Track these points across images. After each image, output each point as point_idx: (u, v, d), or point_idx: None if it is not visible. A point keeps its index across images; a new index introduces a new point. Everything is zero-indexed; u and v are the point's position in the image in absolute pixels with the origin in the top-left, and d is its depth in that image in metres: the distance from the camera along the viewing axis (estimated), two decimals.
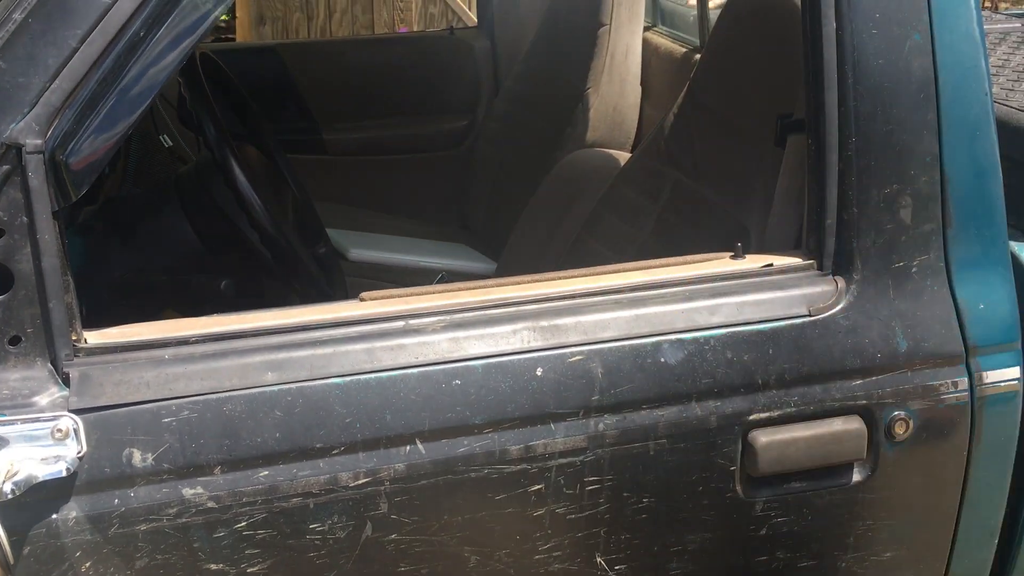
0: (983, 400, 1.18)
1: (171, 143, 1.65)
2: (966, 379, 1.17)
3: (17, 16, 0.94)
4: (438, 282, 2.12)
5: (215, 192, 1.34)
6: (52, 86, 0.93)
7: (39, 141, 0.93)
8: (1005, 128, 1.31)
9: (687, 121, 1.72)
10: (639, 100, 2.16)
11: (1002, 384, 1.19)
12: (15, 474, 0.92)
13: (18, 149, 0.93)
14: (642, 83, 2.17)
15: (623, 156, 1.97)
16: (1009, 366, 1.19)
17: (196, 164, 1.41)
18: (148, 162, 1.68)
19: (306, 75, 2.52)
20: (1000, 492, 1.23)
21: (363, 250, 2.11)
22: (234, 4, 5.15)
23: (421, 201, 2.59)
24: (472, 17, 4.86)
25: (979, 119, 1.16)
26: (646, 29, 2.24)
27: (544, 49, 2.35)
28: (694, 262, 1.20)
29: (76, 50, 0.94)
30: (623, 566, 1.13)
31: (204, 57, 1.48)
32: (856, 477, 1.17)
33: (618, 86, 2.11)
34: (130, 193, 1.45)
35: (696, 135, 1.69)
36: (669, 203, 1.73)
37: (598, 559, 1.12)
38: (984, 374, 1.18)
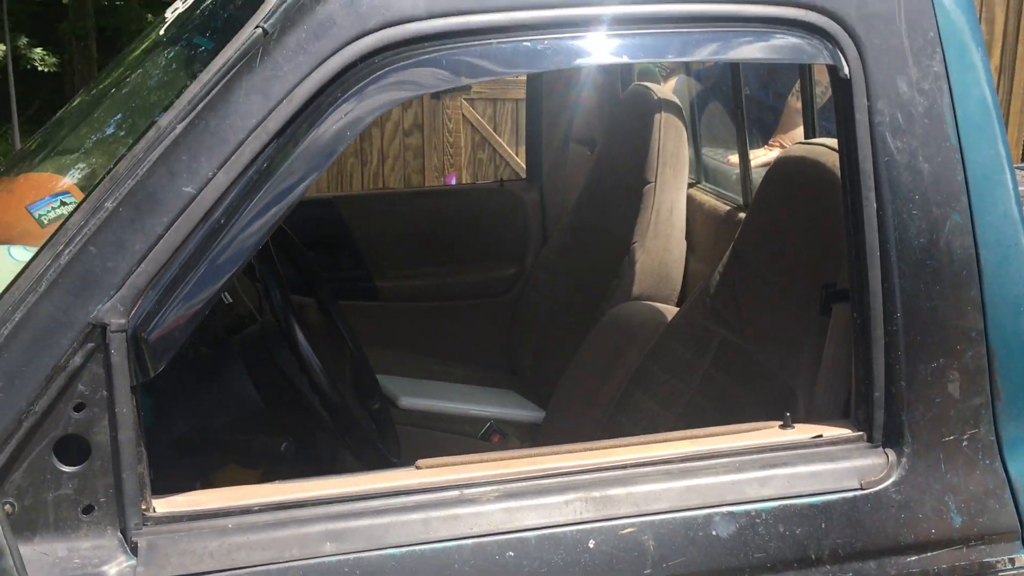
0: None
1: (231, 300, 1.73)
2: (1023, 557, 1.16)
3: (109, 205, 1.02)
4: (486, 430, 2.15)
5: (278, 355, 1.40)
6: (138, 270, 1.00)
7: (123, 321, 0.99)
8: None
9: (732, 280, 1.76)
10: (684, 254, 2.22)
11: None
12: None
13: (103, 328, 0.99)
14: (687, 238, 2.23)
15: (669, 310, 2.01)
16: None
17: (261, 328, 1.48)
18: (210, 319, 1.75)
19: (361, 225, 2.63)
20: None
21: (413, 398, 2.15)
22: None
23: (470, 347, 2.65)
24: (519, 161, 5.04)
25: (1022, 297, 1.19)
26: (690, 186, 2.32)
27: (591, 202, 2.44)
28: (743, 431, 1.22)
29: (161, 236, 1.01)
30: None
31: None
32: None
33: (663, 241, 2.18)
34: (197, 353, 1.51)
35: (741, 294, 1.73)
36: (716, 360, 1.76)
37: None
38: None
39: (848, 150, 1.17)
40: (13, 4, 14.05)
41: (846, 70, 1.15)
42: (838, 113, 1.19)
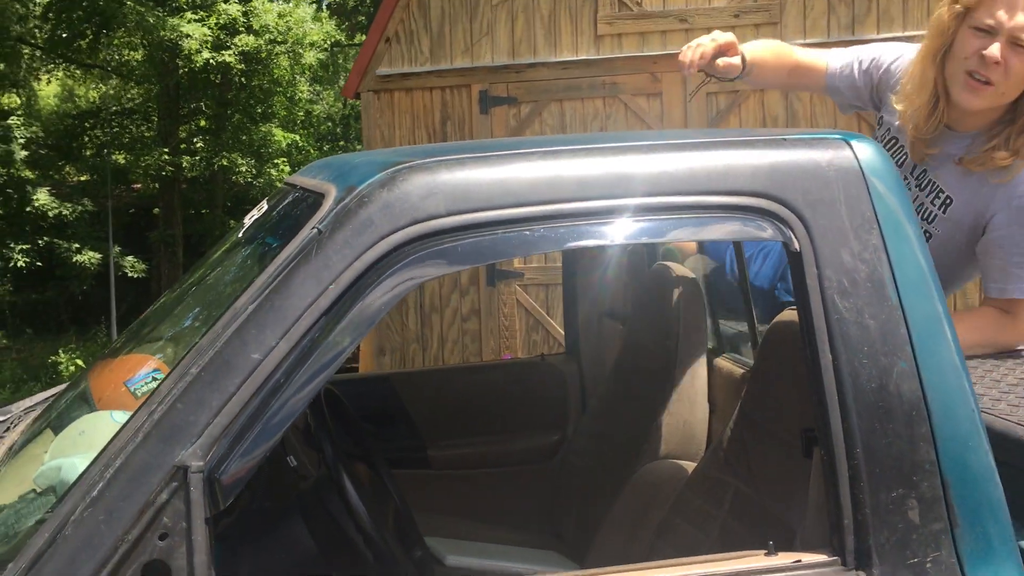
0: None
1: (296, 463, 1.95)
2: None
3: (194, 371, 1.27)
4: None
5: (328, 502, 1.61)
6: (214, 422, 1.25)
7: (201, 463, 1.23)
8: (1007, 440, 1.48)
9: (741, 434, 1.94)
10: (707, 415, 2.40)
11: None
12: None
13: (184, 470, 1.23)
14: (709, 400, 2.42)
15: (692, 467, 2.17)
16: None
17: (316, 480, 1.70)
18: (277, 479, 1.98)
19: (415, 399, 2.87)
20: None
21: (460, 556, 2.31)
22: None
23: (517, 511, 2.80)
24: None
25: (969, 432, 1.36)
26: (710, 352, 2.53)
27: (623, 371, 2.65)
28: (731, 558, 1.38)
29: (233, 394, 1.26)
30: None
31: (327, 391, 1.81)
32: None
33: (687, 404, 2.36)
34: (260, 506, 1.73)
35: (749, 446, 1.90)
36: (731, 510, 1.91)
37: None
38: None
39: (804, 311, 1.39)
40: (108, 216, 15.16)
41: (796, 245, 1.39)
42: (794, 280, 1.41)
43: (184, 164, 16.46)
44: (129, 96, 18.23)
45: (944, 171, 2.12)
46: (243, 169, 16.95)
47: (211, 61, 14.95)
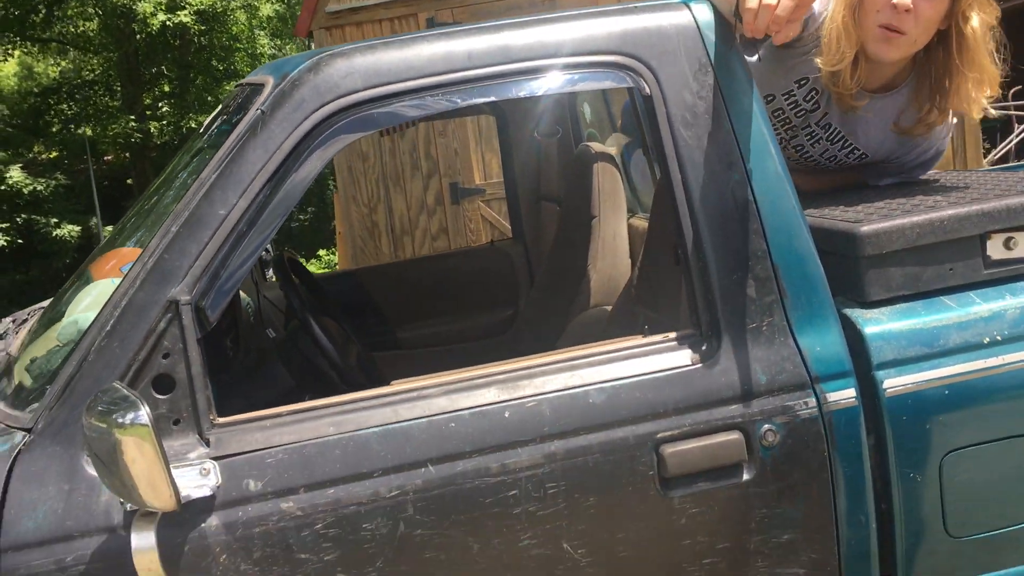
0: (830, 414, 1.66)
1: (274, 335, 2.31)
2: (814, 399, 1.66)
3: (174, 229, 1.62)
4: None
5: (303, 345, 1.97)
6: (194, 265, 1.59)
7: (188, 297, 1.58)
8: (832, 233, 1.84)
9: (644, 271, 2.30)
10: (629, 268, 2.76)
11: (843, 401, 1.67)
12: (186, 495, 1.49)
13: (176, 303, 1.58)
14: (631, 256, 2.78)
15: None
16: (846, 388, 1.67)
17: (289, 330, 2.06)
18: (259, 347, 2.34)
19: (380, 289, 3.23)
20: (861, 484, 1.67)
21: None
22: (337, 252, 6.05)
23: None
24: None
25: (792, 225, 1.72)
26: (630, 217, 2.88)
27: (559, 245, 3.01)
28: (618, 341, 1.74)
29: (207, 243, 1.60)
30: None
31: (292, 261, 2.15)
32: (745, 475, 1.64)
33: (610, 260, 2.72)
34: (246, 360, 2.09)
35: (651, 279, 2.26)
36: (640, 332, 2.28)
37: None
38: (827, 395, 1.67)
39: (655, 144, 1.74)
40: (83, 188, 15.26)
41: (647, 91, 1.73)
42: (647, 120, 1.75)
43: (152, 130, 16.57)
44: (89, 67, 18.25)
45: (859, 128, 2.21)
46: None
47: (167, 23, 15.01)
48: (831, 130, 2.26)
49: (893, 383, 1.69)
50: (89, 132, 16.43)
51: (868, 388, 1.69)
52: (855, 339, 1.72)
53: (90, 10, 15.81)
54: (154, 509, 1.41)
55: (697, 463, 1.62)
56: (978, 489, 1.73)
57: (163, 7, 14.84)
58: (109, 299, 1.61)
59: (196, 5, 15.23)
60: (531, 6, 5.77)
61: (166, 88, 17.51)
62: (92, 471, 1.51)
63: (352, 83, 1.67)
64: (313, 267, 13.49)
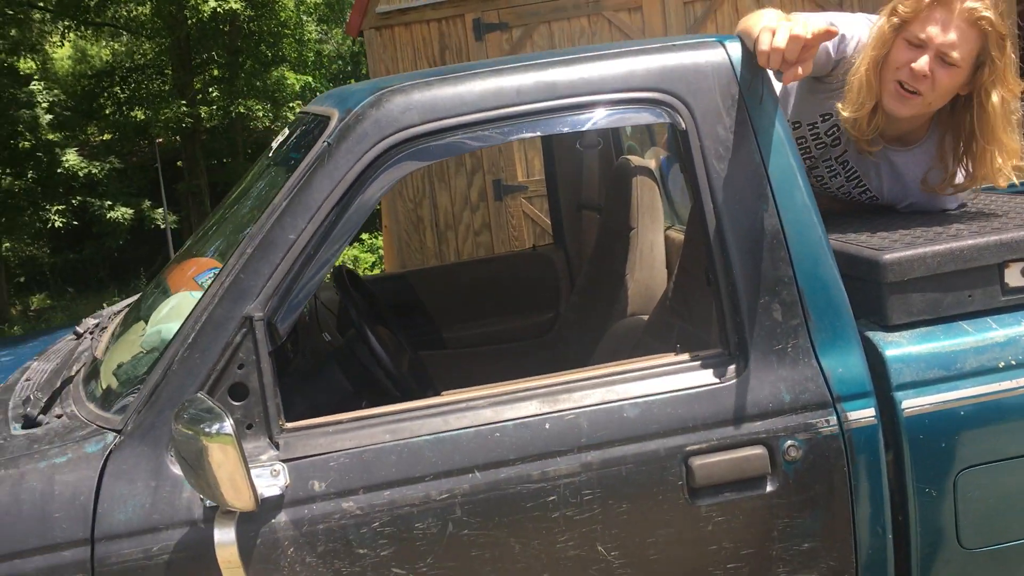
0: (850, 431, 1.78)
1: (330, 338, 2.48)
2: (835, 418, 1.78)
3: (249, 251, 1.78)
4: None
5: (359, 353, 2.13)
6: (267, 285, 1.75)
7: (261, 313, 1.74)
8: (854, 259, 1.96)
9: (680, 283, 2.43)
10: (666, 279, 2.89)
11: (862, 420, 1.79)
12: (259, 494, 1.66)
13: (251, 319, 1.74)
14: (668, 267, 2.90)
15: None
16: (866, 408, 1.79)
17: (347, 338, 2.22)
18: (316, 350, 2.51)
19: (428, 291, 3.39)
20: (879, 497, 1.79)
21: None
22: (383, 258, 6.25)
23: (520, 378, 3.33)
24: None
25: (817, 253, 1.84)
26: (667, 228, 3.01)
27: (599, 252, 3.14)
28: (651, 359, 1.88)
29: (278, 264, 1.76)
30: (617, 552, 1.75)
31: (350, 272, 2.31)
32: (769, 487, 1.77)
33: (648, 271, 2.85)
34: (306, 364, 2.26)
35: (686, 292, 2.39)
36: (676, 342, 2.41)
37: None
38: (848, 414, 1.79)
39: (690, 176, 1.87)
40: (135, 172, 15.65)
41: (683, 125, 1.85)
42: (683, 152, 1.88)
43: (202, 114, 16.89)
44: (141, 52, 18.61)
45: (872, 171, 2.32)
46: (260, 115, 17.34)
47: (218, 9, 15.27)
48: (848, 167, 2.36)
49: (911, 403, 1.81)
50: (141, 116, 16.78)
51: (887, 407, 1.81)
52: (876, 361, 1.84)
53: None
54: (235, 509, 1.58)
55: (723, 475, 1.76)
56: (990, 504, 1.84)
57: None
58: (190, 313, 1.78)
59: None
60: (575, 8, 5.87)
61: (215, 73, 17.82)
62: (176, 470, 1.68)
63: (410, 118, 1.81)
64: (355, 250, 13.70)
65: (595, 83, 1.87)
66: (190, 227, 16.72)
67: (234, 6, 15.36)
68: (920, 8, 2.07)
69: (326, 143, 1.81)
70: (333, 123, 1.84)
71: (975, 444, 1.82)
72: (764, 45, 1.79)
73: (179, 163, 17.86)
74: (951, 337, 1.86)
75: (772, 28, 1.79)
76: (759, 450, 1.77)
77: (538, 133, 1.88)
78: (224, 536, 1.61)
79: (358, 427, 1.76)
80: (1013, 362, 1.83)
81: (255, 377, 1.74)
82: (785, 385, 1.80)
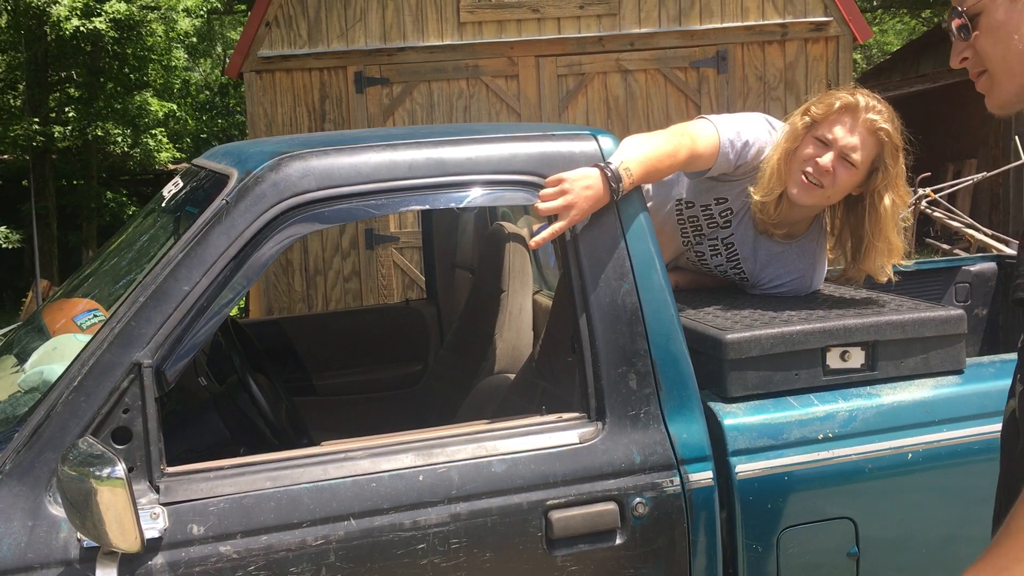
0: (691, 491, 1.99)
1: (205, 383, 2.54)
2: (678, 479, 1.99)
3: (141, 299, 1.85)
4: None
5: (239, 399, 2.20)
6: (158, 333, 1.83)
7: (150, 360, 1.81)
8: (700, 336, 2.19)
9: (546, 347, 2.61)
10: (531, 341, 3.08)
11: (702, 481, 2.00)
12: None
13: (139, 365, 1.81)
14: (534, 328, 3.10)
15: None
16: (705, 470, 2.01)
17: (227, 384, 2.29)
18: (192, 393, 2.56)
19: (300, 338, 3.47)
20: (713, 552, 2.00)
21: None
22: (248, 299, 6.26)
23: (387, 427, 3.43)
24: None
25: (669, 329, 2.06)
26: (536, 293, 3.21)
27: (470, 310, 3.30)
28: (517, 419, 2.04)
29: (170, 315, 1.84)
30: None
31: (233, 322, 2.38)
32: (618, 540, 1.95)
33: (515, 332, 3.03)
34: (183, 407, 2.31)
35: (551, 356, 2.58)
36: (539, 402, 2.59)
37: None
38: (690, 476, 2.00)
39: (562, 254, 2.06)
40: None
41: None
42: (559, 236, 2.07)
43: (56, 134, 16.24)
44: None
45: (751, 258, 2.57)
46: (119, 139, 16.79)
47: (81, 29, 14.82)
48: (731, 249, 2.62)
49: (744, 468, 2.03)
50: None
51: (723, 471, 2.03)
52: (715, 428, 2.06)
53: (0, 7, 15.47)
54: (120, 550, 1.64)
55: (579, 528, 1.93)
56: (808, 560, 2.08)
57: (78, 12, 14.65)
58: (77, 356, 1.83)
59: (113, 13, 15.08)
60: (456, 70, 6.10)
61: (73, 92, 17.20)
62: (55, 511, 1.73)
63: (307, 183, 1.94)
64: None
65: (480, 163, 2.05)
66: (32, 250, 15.96)
67: (99, 26, 14.93)
68: (830, 112, 2.35)
69: (225, 201, 1.91)
70: (232, 182, 1.94)
71: (796, 506, 2.06)
72: (546, 233, 2.02)
73: (24, 183, 17.05)
74: (779, 410, 2.11)
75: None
76: (611, 506, 1.95)
77: (427, 206, 2.04)
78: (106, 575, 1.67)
79: (239, 473, 1.85)
80: (831, 435, 2.09)
81: (140, 422, 1.81)
82: (636, 447, 1.99)
